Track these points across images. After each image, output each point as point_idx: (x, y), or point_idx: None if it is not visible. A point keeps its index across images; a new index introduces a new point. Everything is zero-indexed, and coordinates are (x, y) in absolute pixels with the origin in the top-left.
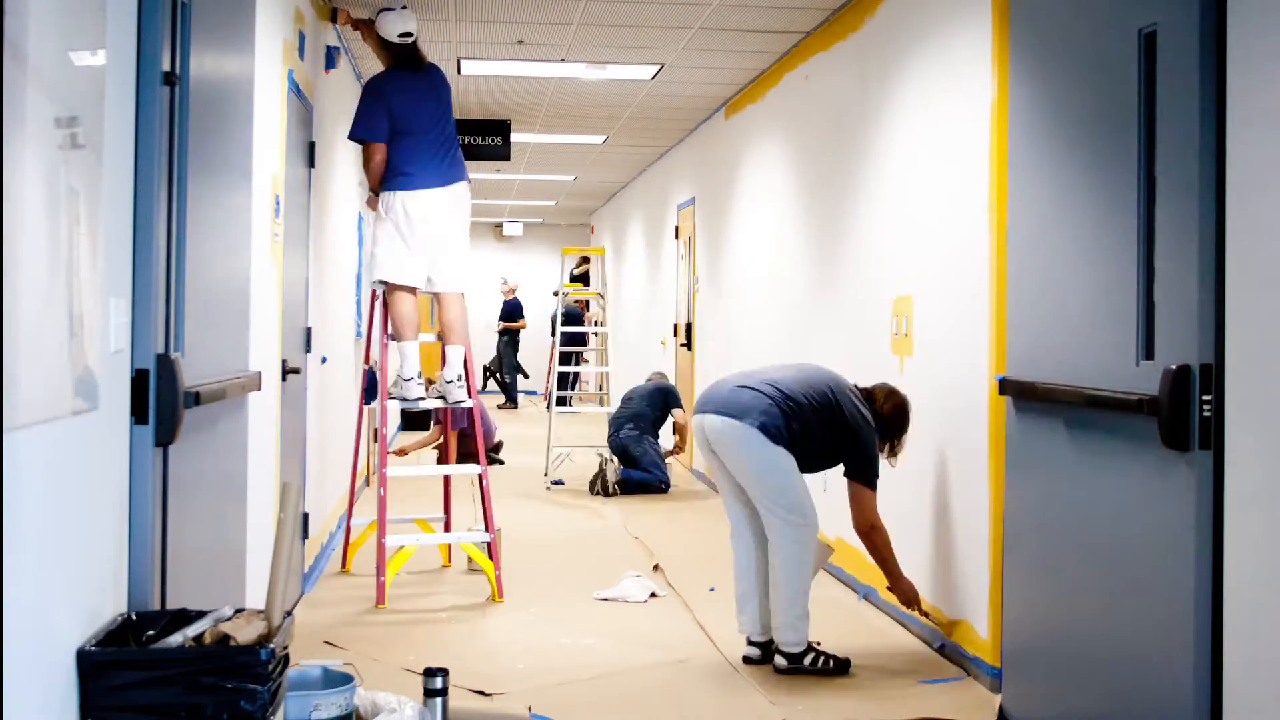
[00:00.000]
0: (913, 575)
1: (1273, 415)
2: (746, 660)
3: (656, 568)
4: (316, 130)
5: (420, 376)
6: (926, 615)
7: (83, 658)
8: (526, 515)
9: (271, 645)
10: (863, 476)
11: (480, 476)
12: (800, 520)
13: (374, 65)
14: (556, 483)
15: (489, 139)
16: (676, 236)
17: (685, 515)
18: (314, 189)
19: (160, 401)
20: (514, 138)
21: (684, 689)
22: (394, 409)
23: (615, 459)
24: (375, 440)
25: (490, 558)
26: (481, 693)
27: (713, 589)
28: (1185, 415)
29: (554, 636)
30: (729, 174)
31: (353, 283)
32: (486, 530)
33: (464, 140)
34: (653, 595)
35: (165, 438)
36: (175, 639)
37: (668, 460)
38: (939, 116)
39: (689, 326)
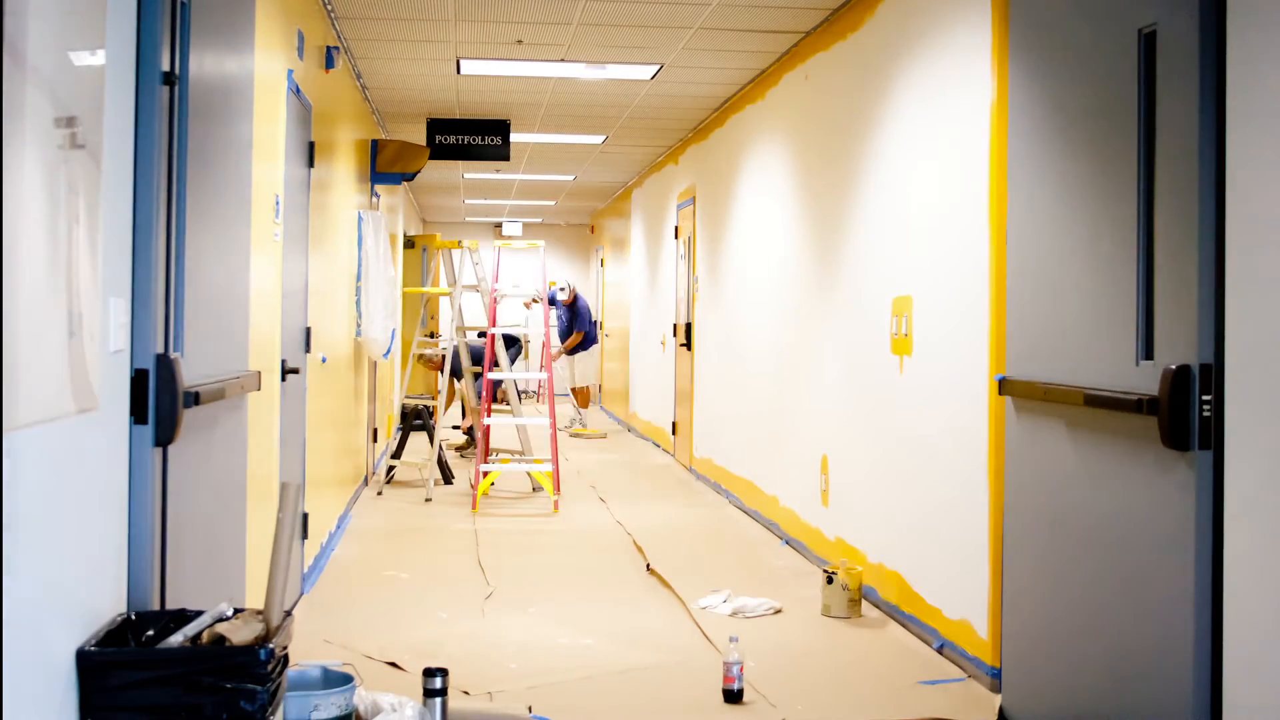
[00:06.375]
0: (913, 575)
1: (1273, 415)
2: None
3: (650, 569)
4: (316, 130)
5: None
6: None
7: (82, 658)
8: (518, 516)
9: (271, 645)
10: None
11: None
12: None
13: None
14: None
15: (489, 139)
16: (676, 236)
17: (679, 512)
18: (313, 189)
19: (160, 401)
20: (514, 138)
21: (683, 689)
22: None
23: None
24: (374, 440)
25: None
26: (472, 693)
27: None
28: (1185, 415)
29: (553, 636)
30: (729, 174)
31: (352, 283)
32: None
33: (464, 140)
34: (777, 611)
35: (165, 438)
36: (175, 639)
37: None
38: (939, 116)
39: (689, 326)
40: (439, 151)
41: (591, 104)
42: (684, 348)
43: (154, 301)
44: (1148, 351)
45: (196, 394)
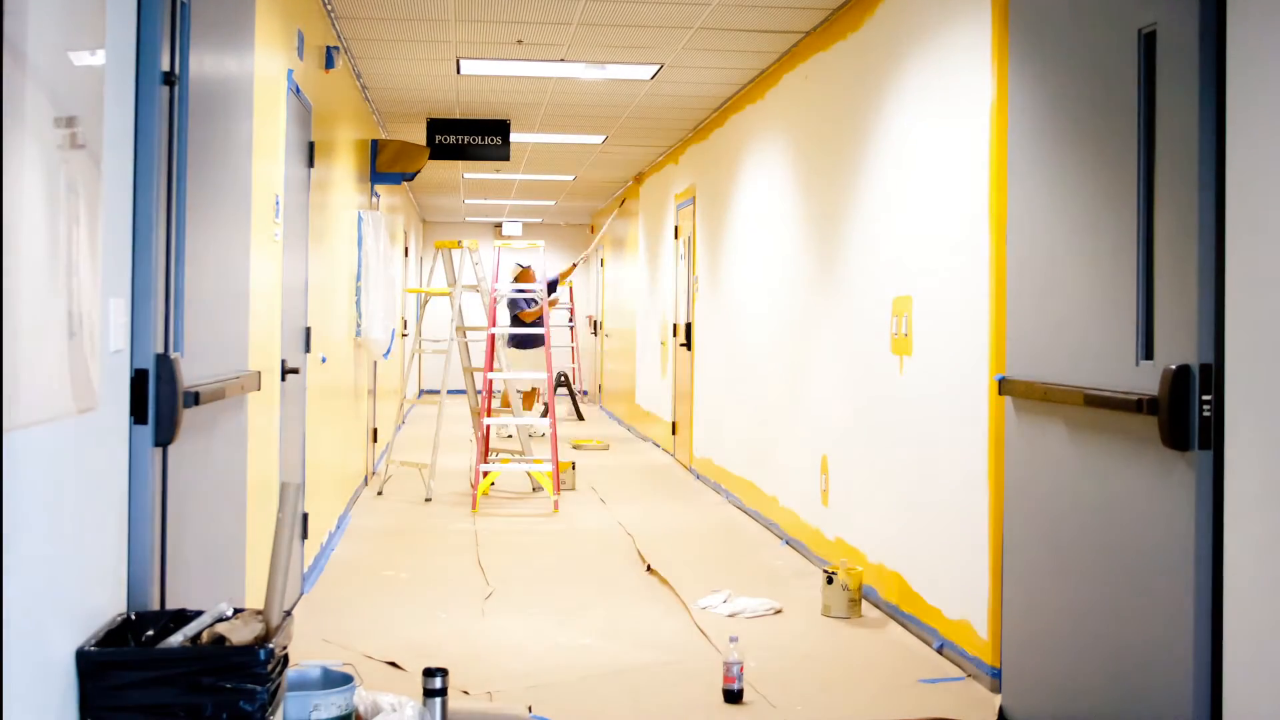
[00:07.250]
0: (913, 575)
1: (1273, 415)
2: None
3: (650, 569)
4: (316, 130)
5: None
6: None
7: (82, 658)
8: (518, 516)
9: (270, 645)
10: None
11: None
12: None
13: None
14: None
15: (488, 139)
16: (676, 236)
17: (678, 512)
18: (313, 188)
19: (160, 401)
20: (514, 138)
21: (682, 689)
22: None
23: None
24: (374, 440)
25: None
26: (472, 693)
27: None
28: (1185, 415)
29: (553, 636)
30: (729, 174)
31: (352, 283)
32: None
33: (464, 140)
34: (777, 611)
35: (165, 438)
36: (175, 639)
37: None
38: (939, 116)
39: (689, 326)
40: (439, 151)
41: (591, 104)
42: (684, 347)
43: (154, 301)
44: (1148, 351)
45: (196, 394)
